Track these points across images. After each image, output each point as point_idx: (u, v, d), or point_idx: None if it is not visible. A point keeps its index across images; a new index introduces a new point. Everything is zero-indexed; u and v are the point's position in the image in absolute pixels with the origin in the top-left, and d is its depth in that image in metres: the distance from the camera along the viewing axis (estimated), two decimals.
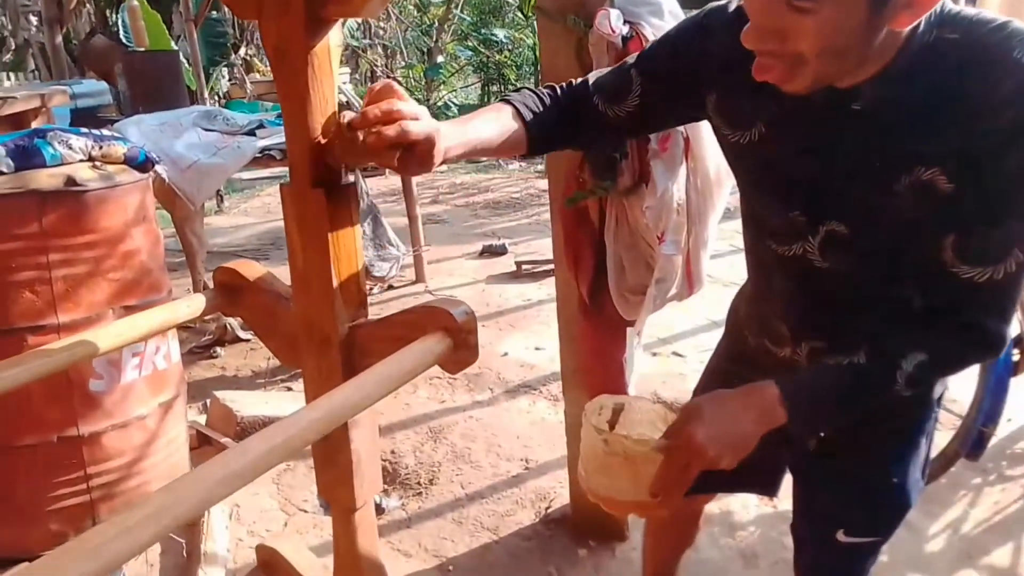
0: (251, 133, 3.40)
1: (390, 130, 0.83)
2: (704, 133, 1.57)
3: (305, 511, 2.46)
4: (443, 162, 0.91)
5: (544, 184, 7.11)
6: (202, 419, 2.90)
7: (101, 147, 2.10)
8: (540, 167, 8.03)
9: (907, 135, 0.88)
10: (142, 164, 2.17)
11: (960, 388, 2.45)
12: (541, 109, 1.06)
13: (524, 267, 4.58)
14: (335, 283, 1.00)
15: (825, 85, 0.88)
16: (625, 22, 1.57)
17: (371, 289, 4.12)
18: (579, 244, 1.82)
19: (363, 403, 0.84)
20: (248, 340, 3.71)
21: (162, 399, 2.27)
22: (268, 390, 3.24)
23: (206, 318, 3.88)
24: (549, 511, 2.41)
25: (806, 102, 0.90)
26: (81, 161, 2.06)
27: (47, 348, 0.94)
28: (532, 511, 2.42)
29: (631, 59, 1.10)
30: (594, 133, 1.14)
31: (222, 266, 1.14)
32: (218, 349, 3.62)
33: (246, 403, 2.83)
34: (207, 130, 3.32)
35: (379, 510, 2.46)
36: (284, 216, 1.02)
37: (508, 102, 1.06)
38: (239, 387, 3.21)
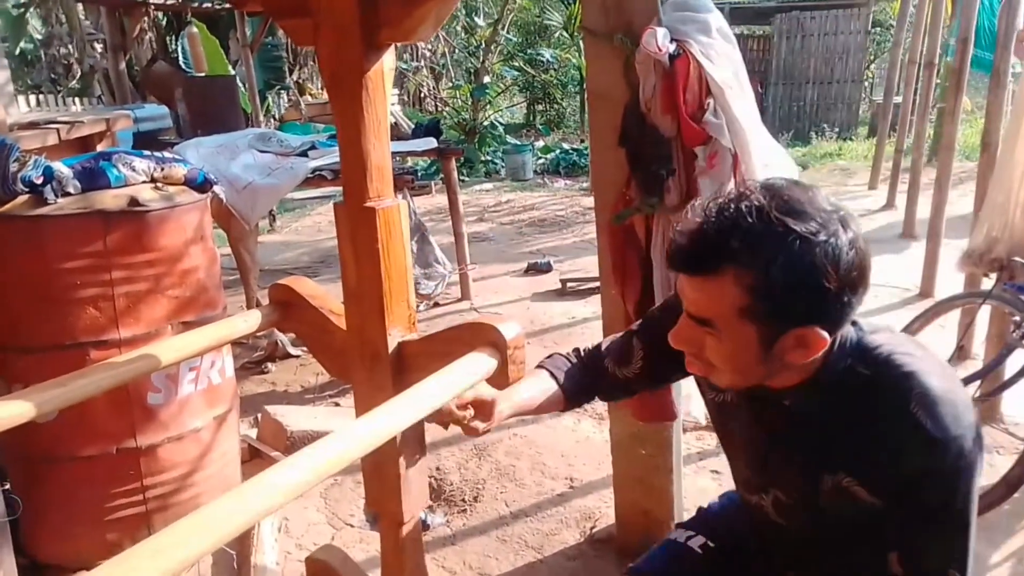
0: (303, 154, 3.49)
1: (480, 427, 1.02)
2: (752, 147, 1.56)
3: (351, 525, 2.49)
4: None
5: (589, 202, 7.13)
6: (253, 433, 2.96)
7: (162, 169, 2.18)
8: (585, 185, 8.03)
9: (826, 442, 0.99)
10: (201, 185, 2.25)
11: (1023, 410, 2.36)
12: (569, 372, 1.20)
13: (569, 285, 4.57)
14: (386, 300, 1.02)
15: (750, 385, 1.00)
16: (672, 40, 1.58)
17: (417, 306, 4.16)
18: (626, 261, 1.82)
19: (412, 417, 0.86)
20: (298, 356, 3.78)
21: (216, 413, 2.32)
22: (317, 405, 3.30)
23: (258, 334, 3.98)
24: (594, 531, 2.39)
25: (750, 388, 1.02)
26: (144, 183, 2.14)
27: (112, 361, 0.98)
28: (577, 531, 2.40)
29: (635, 326, 1.23)
30: (612, 389, 1.25)
31: (277, 283, 1.18)
32: (269, 365, 3.70)
33: (296, 418, 2.88)
34: (262, 152, 3.42)
35: (424, 526, 2.46)
36: (338, 234, 1.05)
37: (543, 367, 1.18)
38: (289, 402, 3.28)
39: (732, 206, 0.90)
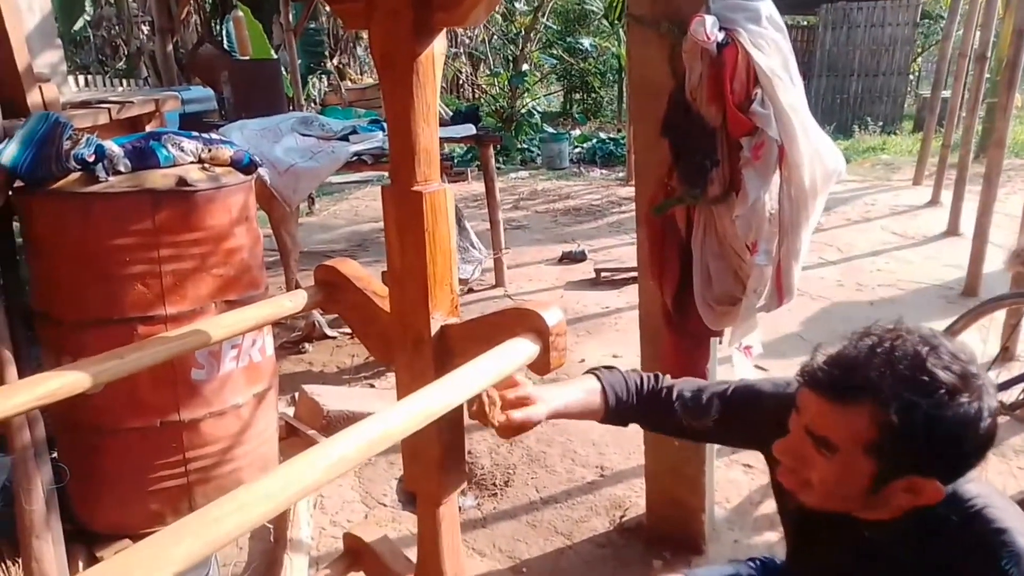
0: (345, 139, 3.52)
1: (516, 417, 1.02)
2: (800, 139, 1.54)
3: (384, 504, 2.53)
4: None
5: (625, 192, 7.09)
6: (290, 411, 3.02)
7: (210, 150, 2.22)
8: (621, 175, 7.98)
9: (900, 574, 1.02)
10: (246, 167, 2.28)
11: None
12: (623, 393, 1.21)
13: (603, 274, 4.56)
14: (430, 284, 1.04)
15: (836, 510, 1.02)
16: (721, 28, 1.56)
17: None
18: (665, 253, 1.81)
19: (454, 401, 0.87)
20: (335, 337, 3.84)
21: (256, 390, 2.37)
22: (352, 386, 3.35)
23: (296, 315, 4.04)
24: (624, 519, 2.39)
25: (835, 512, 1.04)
26: (191, 163, 2.18)
27: (165, 336, 1.01)
28: (607, 518, 2.41)
29: (717, 388, 1.23)
30: (667, 429, 1.27)
31: (323, 264, 1.20)
32: (306, 345, 3.76)
33: (332, 397, 2.93)
34: (304, 135, 3.46)
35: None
36: (384, 216, 1.06)
37: (599, 379, 1.19)
38: (325, 382, 3.33)
39: (888, 343, 0.92)
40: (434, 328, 1.06)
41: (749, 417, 1.16)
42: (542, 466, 2.71)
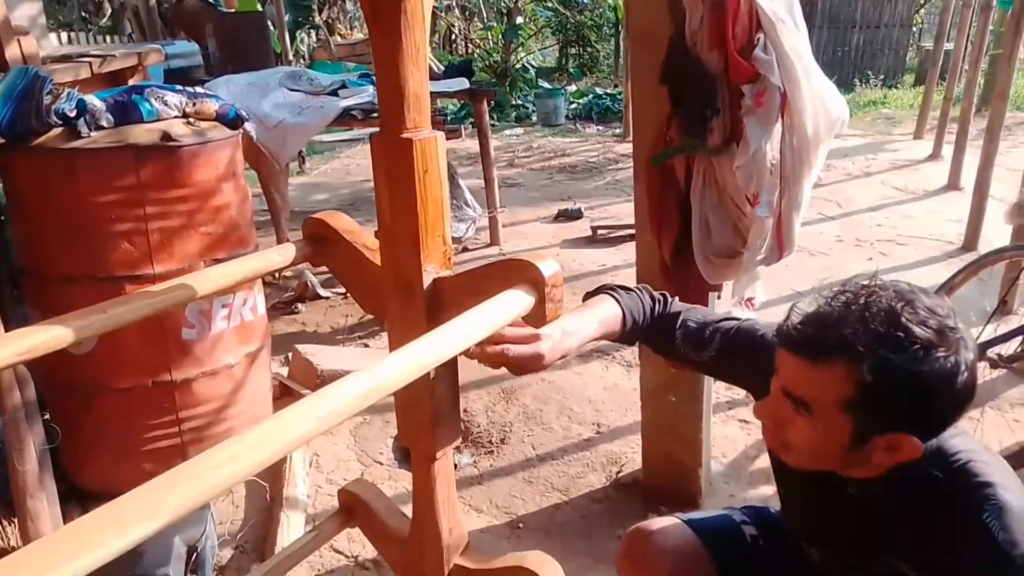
0: (334, 93, 3.44)
1: (512, 354, 1.00)
2: (803, 85, 1.49)
3: (380, 463, 2.53)
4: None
5: (622, 148, 7.00)
6: (284, 371, 3.00)
7: (194, 104, 2.16)
8: (618, 131, 7.88)
9: (888, 530, 1.02)
10: (232, 121, 2.22)
11: None
12: (640, 321, 1.19)
13: (600, 232, 4.52)
14: (421, 234, 1.00)
15: (818, 469, 1.02)
16: None
17: None
18: (663, 204, 1.77)
19: (447, 353, 0.84)
20: (328, 298, 3.81)
21: (248, 350, 2.35)
22: (346, 346, 3.33)
23: (288, 275, 4.01)
24: (620, 475, 2.40)
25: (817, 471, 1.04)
26: (176, 117, 2.12)
27: (150, 290, 0.97)
28: (603, 474, 2.42)
29: (722, 324, 1.20)
30: (666, 352, 1.25)
31: (311, 216, 1.16)
32: (299, 305, 3.73)
33: (326, 357, 2.91)
34: (292, 90, 3.38)
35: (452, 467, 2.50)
36: (373, 166, 1.02)
37: (619, 303, 1.17)
38: (319, 342, 3.31)
39: (862, 300, 0.91)
40: (426, 281, 1.02)
41: (746, 360, 1.14)
42: (538, 423, 2.71)
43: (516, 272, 0.97)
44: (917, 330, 0.87)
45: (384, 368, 0.76)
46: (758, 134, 1.54)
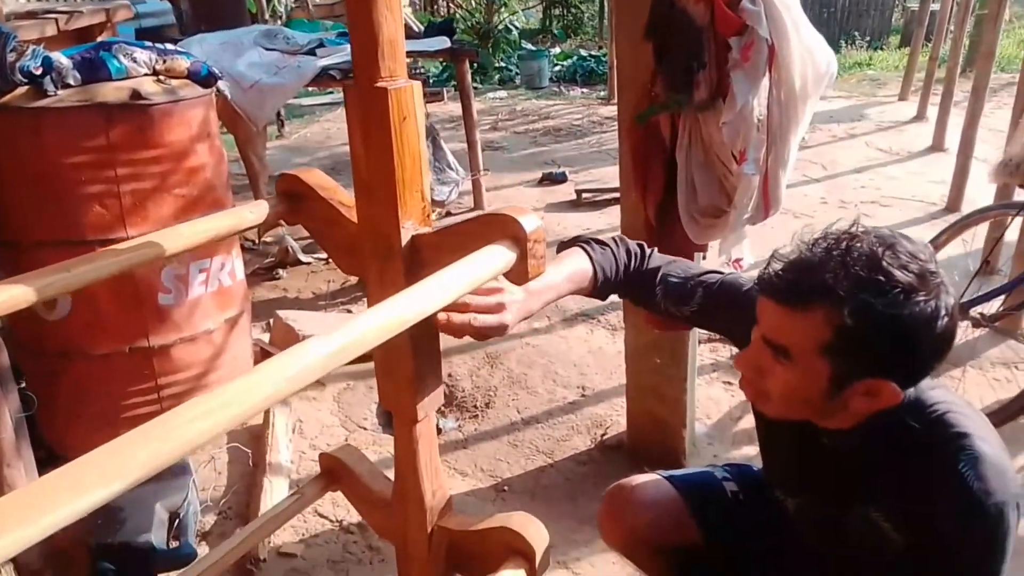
0: (311, 52, 3.35)
1: (477, 324, 0.98)
2: (792, 37, 1.45)
3: (364, 428, 2.52)
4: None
5: (607, 111, 6.92)
6: (265, 337, 2.97)
7: (165, 61, 2.09)
8: (603, 93, 7.78)
9: (864, 479, 1.02)
10: (205, 79, 2.15)
11: None
12: (612, 276, 1.16)
13: (584, 195, 4.48)
14: (399, 189, 0.96)
15: (796, 419, 1.02)
16: None
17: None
18: (648, 163, 1.74)
19: (425, 310, 0.81)
20: (309, 263, 3.76)
21: (228, 315, 2.31)
22: (329, 312, 3.29)
23: (268, 240, 3.94)
24: (605, 438, 2.40)
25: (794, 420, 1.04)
26: (145, 75, 2.05)
27: (117, 248, 0.93)
28: (588, 437, 2.42)
29: (705, 278, 1.17)
30: (646, 305, 1.23)
31: (285, 173, 1.11)
32: (280, 271, 3.68)
33: (308, 323, 2.88)
34: (268, 49, 3.28)
35: (436, 431, 2.49)
36: (348, 118, 0.98)
37: (590, 258, 1.14)
38: (300, 308, 3.27)
39: (843, 245, 0.90)
40: (404, 238, 0.99)
41: (729, 314, 1.14)
42: (523, 387, 2.70)
43: (497, 227, 0.94)
44: (898, 274, 0.87)
45: (360, 324, 0.73)
46: (745, 89, 1.50)
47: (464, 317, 0.97)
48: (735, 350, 3.04)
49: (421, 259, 1.01)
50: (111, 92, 1.96)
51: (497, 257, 0.91)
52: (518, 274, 0.95)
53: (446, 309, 0.95)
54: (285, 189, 1.13)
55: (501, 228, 0.94)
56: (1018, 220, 2.51)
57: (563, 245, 1.19)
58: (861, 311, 0.87)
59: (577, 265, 1.13)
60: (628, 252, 1.19)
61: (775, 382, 0.96)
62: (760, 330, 0.97)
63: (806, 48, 1.49)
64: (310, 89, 8.18)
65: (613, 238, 1.21)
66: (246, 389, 0.62)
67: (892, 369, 0.91)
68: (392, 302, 0.78)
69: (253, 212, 1.07)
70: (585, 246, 1.16)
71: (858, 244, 0.90)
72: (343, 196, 1.11)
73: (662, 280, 1.17)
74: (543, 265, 0.95)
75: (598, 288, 1.15)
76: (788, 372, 0.94)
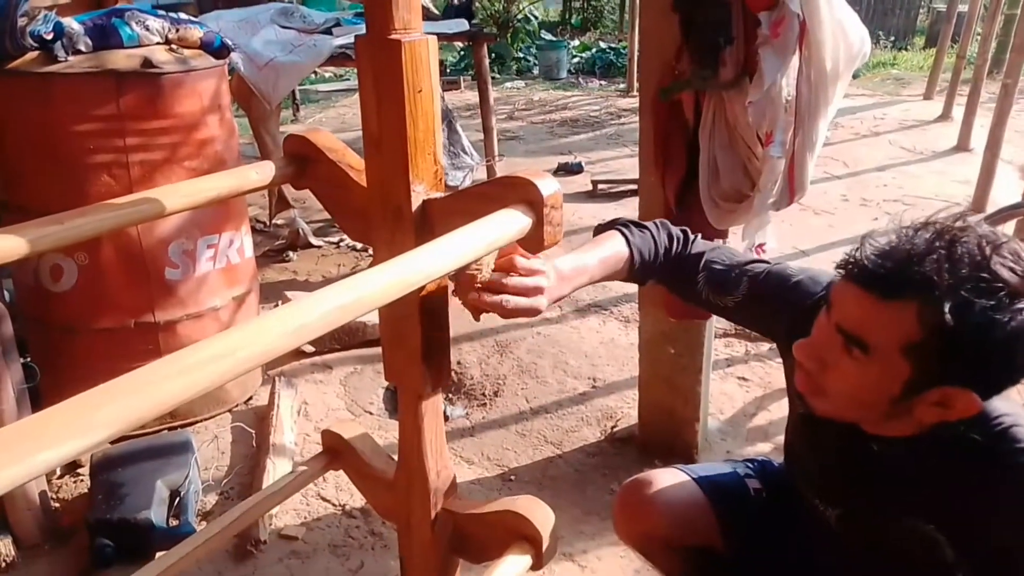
0: (328, 32, 3.30)
1: (510, 307, 0.93)
2: (824, 12, 1.39)
3: (370, 413, 2.48)
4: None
5: (625, 103, 6.84)
6: None
7: (178, 30, 2.05)
8: (621, 86, 7.70)
9: (918, 493, 0.95)
10: (218, 50, 2.11)
11: None
12: (651, 259, 1.11)
13: (600, 186, 4.42)
14: (410, 149, 0.91)
15: (847, 421, 0.95)
16: None
17: None
18: (669, 144, 1.68)
19: (437, 270, 0.76)
20: (320, 246, 3.73)
21: (235, 293, 2.27)
22: None
23: (279, 223, 3.91)
24: (615, 430, 2.35)
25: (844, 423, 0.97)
26: (158, 44, 2.01)
27: (113, 202, 0.89)
28: (598, 429, 2.37)
29: (751, 267, 1.11)
30: (684, 294, 1.17)
31: (292, 134, 1.07)
32: (290, 253, 3.65)
33: None
34: (284, 27, 3.24)
35: (444, 418, 2.45)
36: (359, 73, 0.93)
37: (628, 241, 1.09)
38: (309, 291, 3.22)
39: (947, 237, 0.82)
40: (415, 202, 0.94)
41: (774, 305, 1.06)
42: (533, 377, 2.65)
43: (512, 191, 0.89)
44: (1006, 275, 0.79)
45: (366, 280, 0.68)
46: (774, 67, 1.44)
47: (497, 298, 0.91)
48: (751, 345, 2.95)
49: (432, 225, 0.96)
50: (122, 60, 1.92)
51: (512, 221, 0.86)
52: (533, 241, 0.89)
53: (481, 289, 0.92)
54: (292, 150, 1.08)
55: (517, 191, 0.89)
56: None
57: (600, 228, 1.14)
58: (962, 310, 0.79)
59: (612, 248, 1.07)
60: (670, 236, 1.14)
61: (838, 377, 0.88)
62: (835, 318, 0.88)
63: (838, 24, 1.42)
64: (327, 75, 8.19)
65: (654, 222, 1.15)
66: (233, 345, 0.57)
67: (976, 378, 0.83)
68: (400, 260, 0.73)
69: (258, 172, 1.02)
70: (623, 229, 1.11)
71: (965, 240, 0.82)
72: (352, 159, 1.06)
73: (705, 267, 1.11)
74: (560, 234, 0.90)
75: (635, 272, 1.10)
76: (859, 368, 0.86)
